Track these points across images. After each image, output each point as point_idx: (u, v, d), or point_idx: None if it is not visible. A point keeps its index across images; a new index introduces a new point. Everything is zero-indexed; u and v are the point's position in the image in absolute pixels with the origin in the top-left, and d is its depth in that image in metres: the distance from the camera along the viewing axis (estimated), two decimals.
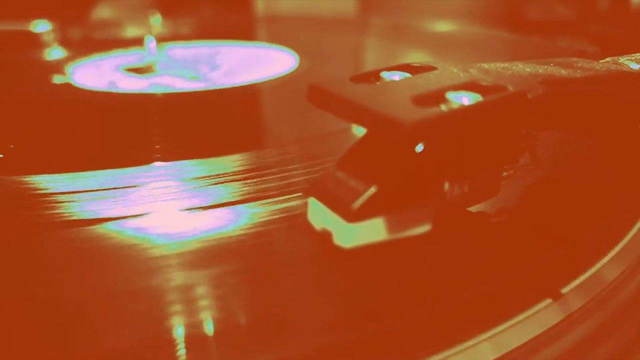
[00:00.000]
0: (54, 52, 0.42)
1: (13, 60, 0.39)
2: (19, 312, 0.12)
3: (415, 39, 0.44)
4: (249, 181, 0.17)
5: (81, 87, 0.30)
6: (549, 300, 0.12)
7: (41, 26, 0.48)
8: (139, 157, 0.20)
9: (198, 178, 0.17)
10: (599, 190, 0.17)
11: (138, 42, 0.39)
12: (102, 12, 0.54)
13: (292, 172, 0.18)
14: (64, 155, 0.21)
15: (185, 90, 0.30)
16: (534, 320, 0.12)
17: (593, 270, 0.13)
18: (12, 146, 0.22)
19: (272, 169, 0.18)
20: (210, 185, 0.17)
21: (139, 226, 0.15)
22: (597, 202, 0.16)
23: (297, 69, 0.33)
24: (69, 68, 0.34)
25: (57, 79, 0.32)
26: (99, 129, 0.24)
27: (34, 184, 0.17)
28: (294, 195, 0.16)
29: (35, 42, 0.45)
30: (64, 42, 0.45)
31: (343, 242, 0.12)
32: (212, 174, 0.18)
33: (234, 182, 0.17)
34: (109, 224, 0.15)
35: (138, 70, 0.34)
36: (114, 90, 0.30)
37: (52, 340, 0.11)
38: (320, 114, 0.13)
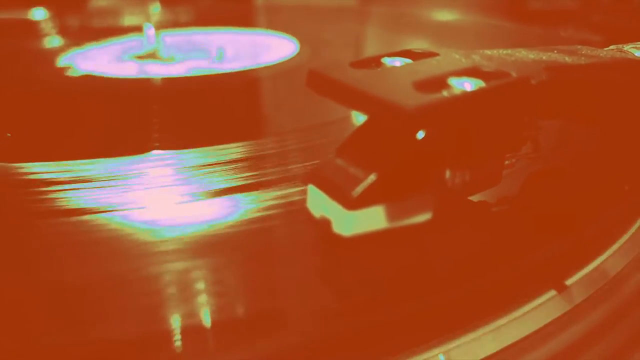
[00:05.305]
0: (52, 40, 0.42)
1: (11, 48, 0.39)
2: (14, 300, 0.12)
3: (417, 28, 0.43)
4: (245, 169, 0.17)
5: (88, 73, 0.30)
6: (552, 293, 0.12)
7: (39, 14, 0.48)
8: (137, 145, 0.19)
9: (196, 167, 0.17)
10: (603, 180, 0.17)
11: (137, 29, 0.39)
12: (100, 0, 0.54)
13: (291, 160, 0.18)
14: (63, 144, 0.21)
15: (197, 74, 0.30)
16: (537, 313, 0.12)
17: (597, 262, 0.13)
18: (9, 134, 0.21)
19: (271, 158, 0.18)
20: (209, 173, 0.17)
21: (137, 215, 0.15)
22: (601, 193, 0.16)
23: (298, 57, 0.32)
24: (69, 56, 0.34)
25: (61, 67, 0.32)
26: (98, 117, 0.24)
27: (29, 169, 0.17)
28: (293, 183, 0.16)
29: (33, 30, 0.45)
30: (62, 29, 0.45)
31: (342, 230, 0.12)
32: (211, 162, 0.17)
33: (232, 171, 0.17)
34: (107, 213, 0.15)
35: (140, 57, 0.34)
36: (110, 76, 0.29)
37: (45, 329, 0.11)
38: (320, 101, 0.13)
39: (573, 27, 0.39)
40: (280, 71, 0.30)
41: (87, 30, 0.45)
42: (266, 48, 0.35)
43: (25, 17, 0.47)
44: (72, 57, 0.34)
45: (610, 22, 0.40)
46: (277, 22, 0.49)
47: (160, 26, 0.39)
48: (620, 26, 0.38)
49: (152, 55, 0.34)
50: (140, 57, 0.34)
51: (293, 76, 0.29)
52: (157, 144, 0.19)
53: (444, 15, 0.46)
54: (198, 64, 0.32)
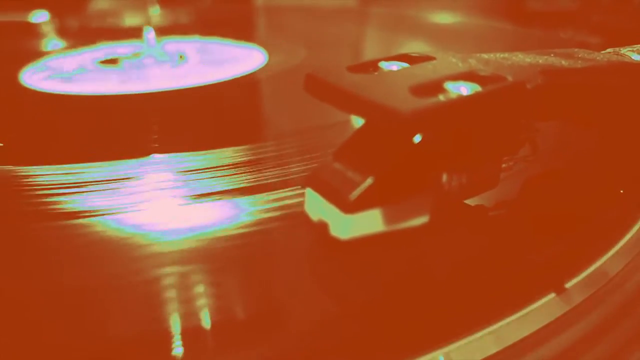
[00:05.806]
0: (50, 43, 0.42)
1: (11, 50, 0.39)
2: (13, 303, 0.12)
3: (415, 31, 0.43)
4: (243, 173, 0.17)
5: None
6: (551, 295, 0.12)
7: (39, 16, 0.48)
8: (137, 150, 0.19)
9: (194, 171, 0.17)
10: (601, 183, 0.17)
11: (136, 32, 0.39)
12: (100, 3, 0.54)
13: (289, 164, 0.18)
14: (59, 148, 0.21)
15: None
16: (536, 314, 0.12)
17: (597, 263, 0.13)
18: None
19: (269, 162, 0.18)
20: (206, 178, 0.17)
21: (135, 218, 0.15)
22: (599, 196, 0.16)
23: (295, 61, 0.32)
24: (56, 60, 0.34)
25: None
26: (98, 122, 0.24)
27: (28, 171, 0.17)
28: (291, 187, 0.16)
29: (34, 32, 0.45)
30: (62, 32, 0.45)
31: (340, 233, 0.12)
32: (208, 166, 0.17)
33: (229, 175, 0.17)
34: (104, 216, 0.15)
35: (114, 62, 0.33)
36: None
37: (44, 332, 0.11)
38: (318, 106, 0.13)
39: (573, 29, 0.39)
40: (276, 76, 0.30)
41: (84, 32, 0.45)
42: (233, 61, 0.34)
43: (25, 20, 0.47)
44: (60, 60, 0.34)
45: (610, 23, 0.40)
46: (276, 24, 0.49)
47: (159, 30, 0.39)
48: (620, 27, 0.38)
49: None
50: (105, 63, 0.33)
51: (289, 81, 0.29)
52: (156, 145, 0.19)
53: (443, 18, 0.46)
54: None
